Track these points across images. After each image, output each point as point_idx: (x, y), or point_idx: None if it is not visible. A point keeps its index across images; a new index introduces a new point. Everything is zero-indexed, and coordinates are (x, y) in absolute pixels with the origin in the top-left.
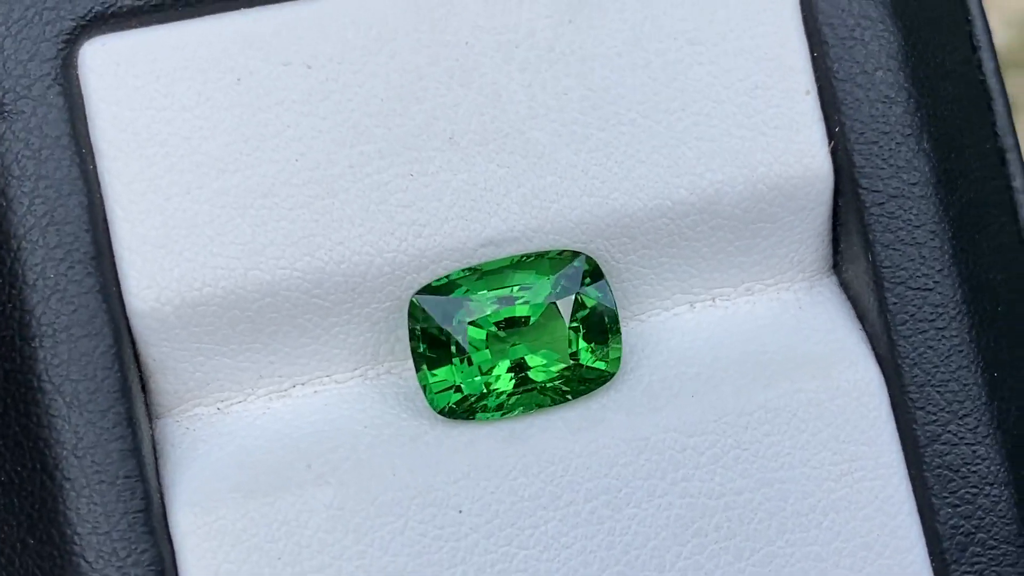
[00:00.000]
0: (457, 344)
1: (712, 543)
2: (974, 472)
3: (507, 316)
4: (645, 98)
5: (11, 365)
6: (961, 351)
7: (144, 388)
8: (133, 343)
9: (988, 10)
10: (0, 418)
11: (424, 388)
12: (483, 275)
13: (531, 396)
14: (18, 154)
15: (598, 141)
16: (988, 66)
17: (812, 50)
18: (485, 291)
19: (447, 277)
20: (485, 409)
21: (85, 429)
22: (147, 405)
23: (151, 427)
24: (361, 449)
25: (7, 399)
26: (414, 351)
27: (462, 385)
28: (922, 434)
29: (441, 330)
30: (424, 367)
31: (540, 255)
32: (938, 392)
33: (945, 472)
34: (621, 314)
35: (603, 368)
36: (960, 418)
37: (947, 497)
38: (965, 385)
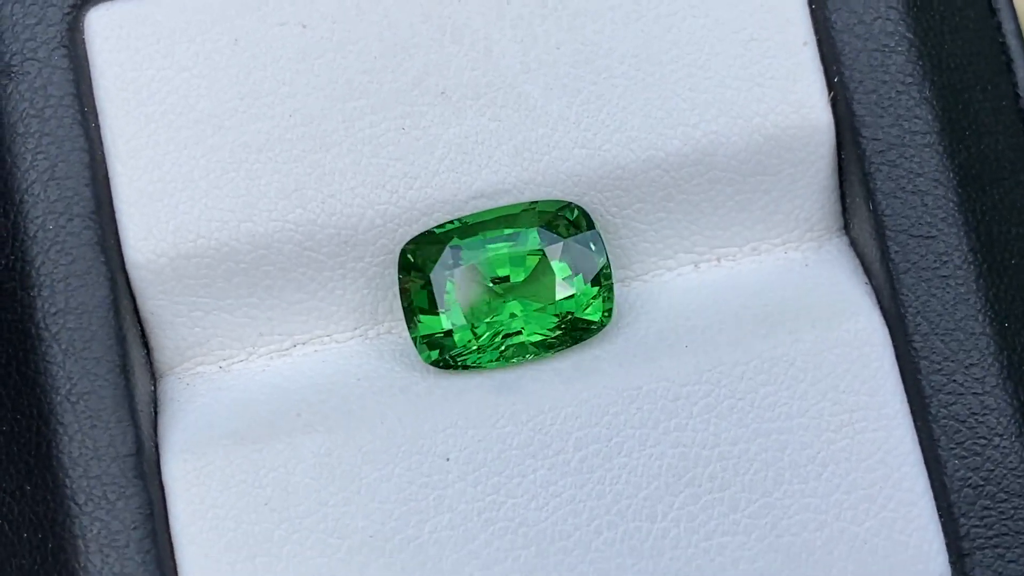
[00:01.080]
0: (447, 295)
1: (706, 493)
2: (982, 423)
3: (498, 267)
4: (638, 51)
5: (12, 315)
6: (967, 300)
7: (147, 346)
8: (133, 298)
9: None
10: (2, 367)
11: (414, 340)
12: (473, 227)
13: (523, 346)
14: (23, 112)
15: (590, 94)
16: (1008, 27)
17: (810, 1)
18: (475, 242)
19: (437, 229)
20: (476, 360)
21: (79, 376)
22: (151, 363)
23: (154, 385)
24: (352, 399)
25: (9, 348)
26: (404, 302)
27: (452, 336)
28: (927, 384)
29: (430, 282)
30: (414, 320)
31: (530, 206)
32: (942, 341)
33: (951, 423)
34: (623, 273)
35: (595, 319)
36: (966, 367)
37: (954, 448)
38: (972, 335)
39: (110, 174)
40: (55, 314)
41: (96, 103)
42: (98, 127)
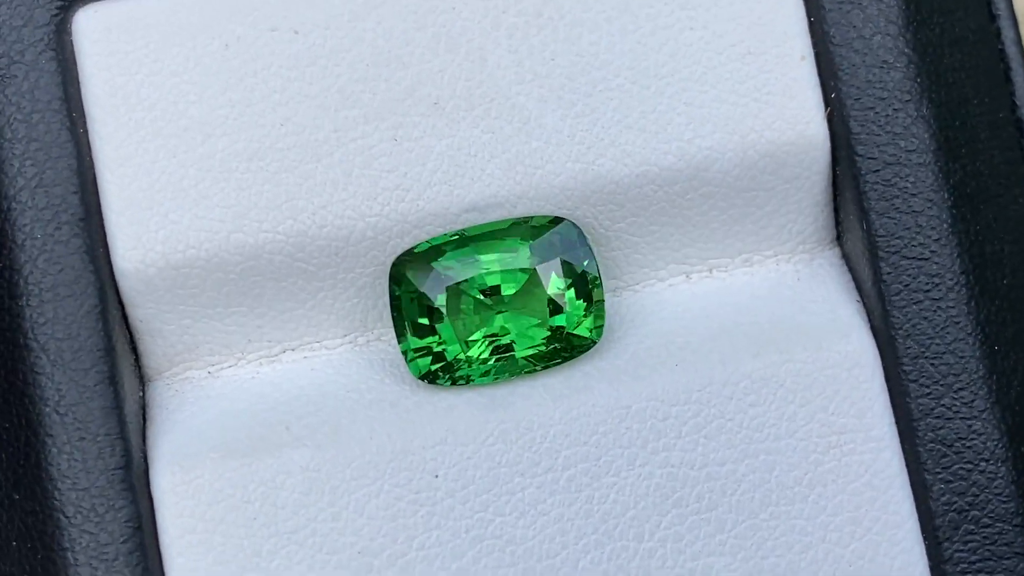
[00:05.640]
0: (438, 310)
1: (693, 514)
2: (969, 447)
3: (490, 282)
4: (634, 63)
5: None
6: (958, 323)
7: (135, 351)
8: (121, 305)
9: None
10: None
11: (404, 354)
12: (466, 241)
13: (513, 362)
14: (10, 117)
15: (584, 107)
16: (1007, 35)
17: (809, 15)
18: (468, 257)
19: (429, 242)
20: (466, 374)
21: (68, 387)
22: (139, 368)
23: (142, 390)
24: (341, 413)
25: None
26: (395, 317)
27: (443, 351)
28: (915, 407)
29: (422, 295)
30: (405, 333)
31: (524, 221)
32: (932, 364)
33: (938, 447)
34: (614, 284)
35: (586, 336)
36: (955, 391)
37: (940, 472)
38: (961, 358)
39: (98, 181)
40: (43, 324)
41: (84, 107)
42: (86, 132)
